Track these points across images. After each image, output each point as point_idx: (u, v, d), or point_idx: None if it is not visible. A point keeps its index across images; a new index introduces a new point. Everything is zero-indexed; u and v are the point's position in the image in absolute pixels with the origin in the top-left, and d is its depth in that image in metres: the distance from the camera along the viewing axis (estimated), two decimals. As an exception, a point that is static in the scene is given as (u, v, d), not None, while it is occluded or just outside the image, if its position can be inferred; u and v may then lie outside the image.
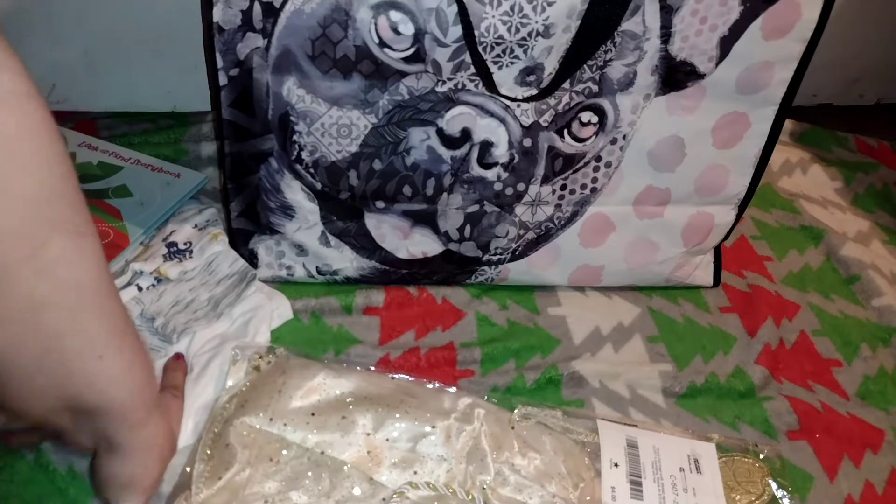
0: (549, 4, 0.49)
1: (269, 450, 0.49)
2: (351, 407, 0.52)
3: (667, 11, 0.52)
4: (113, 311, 0.37)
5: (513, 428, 0.53)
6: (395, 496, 0.48)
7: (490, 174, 0.57)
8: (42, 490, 0.49)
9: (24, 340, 0.33)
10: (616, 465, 0.53)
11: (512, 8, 0.49)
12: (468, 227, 0.61)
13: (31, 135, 0.30)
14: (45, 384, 0.36)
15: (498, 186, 0.58)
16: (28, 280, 0.31)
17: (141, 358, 0.40)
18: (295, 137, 0.55)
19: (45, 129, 0.31)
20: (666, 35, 0.53)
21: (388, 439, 0.51)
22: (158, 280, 0.58)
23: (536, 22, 0.50)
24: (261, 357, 0.55)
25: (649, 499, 0.51)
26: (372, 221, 0.60)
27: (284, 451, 0.49)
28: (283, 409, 0.51)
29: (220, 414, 0.51)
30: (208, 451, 0.49)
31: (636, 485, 0.52)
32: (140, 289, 0.57)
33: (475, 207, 0.60)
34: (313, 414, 0.51)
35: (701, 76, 0.55)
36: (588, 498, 0.51)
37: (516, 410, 0.55)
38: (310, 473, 0.49)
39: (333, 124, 0.54)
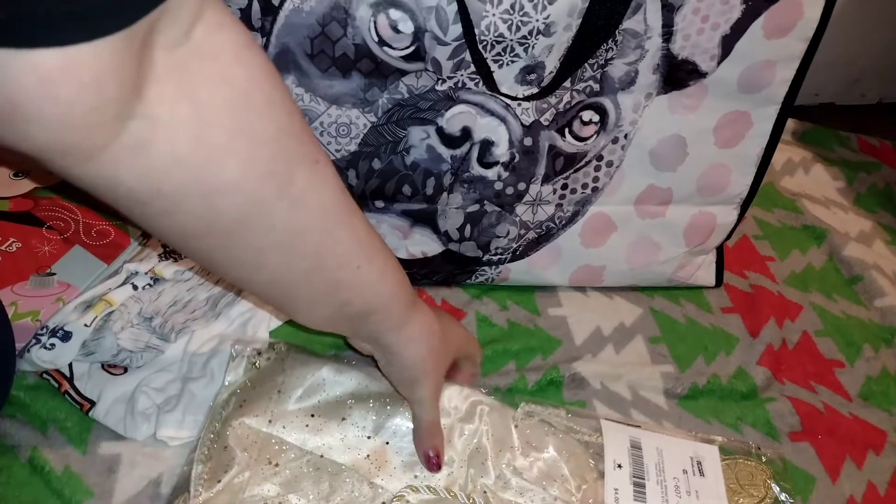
0: (550, 3, 0.49)
1: (269, 452, 0.49)
2: (351, 408, 0.51)
3: (668, 10, 0.51)
4: (359, 226, 0.40)
5: (516, 426, 0.53)
6: (395, 500, 0.48)
7: (490, 173, 0.57)
8: (38, 492, 0.48)
9: (294, 263, 0.38)
10: (619, 466, 0.52)
11: (512, 6, 0.49)
12: (468, 227, 0.60)
13: (259, 82, 0.33)
14: (321, 298, 0.41)
15: (498, 186, 0.58)
16: (285, 212, 0.35)
17: (392, 264, 0.44)
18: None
19: (268, 75, 0.33)
20: (667, 33, 0.52)
21: (388, 442, 0.51)
22: (155, 280, 0.58)
23: (537, 20, 0.49)
24: (259, 353, 0.54)
25: (652, 501, 0.51)
26: (371, 221, 0.59)
27: (284, 454, 0.49)
28: (283, 410, 0.51)
29: (220, 413, 0.51)
30: (206, 452, 0.48)
31: (639, 486, 0.52)
32: (136, 288, 0.57)
33: (475, 207, 0.59)
34: (313, 415, 0.51)
35: (703, 75, 0.55)
36: (591, 500, 0.51)
37: (520, 407, 0.54)
38: (310, 476, 0.48)
39: (332, 123, 0.54)
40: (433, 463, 0.50)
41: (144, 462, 0.51)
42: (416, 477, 0.50)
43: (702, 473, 0.53)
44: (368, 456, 0.50)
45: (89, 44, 0.24)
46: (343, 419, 0.51)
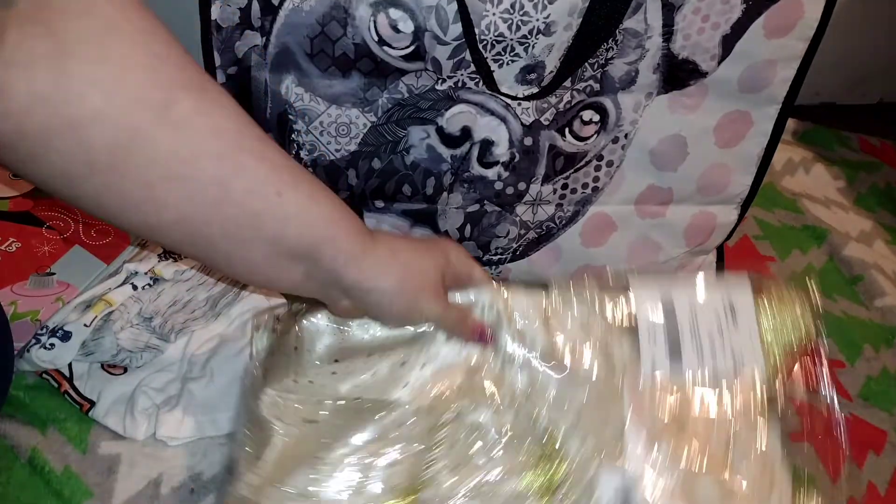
0: (551, 2, 0.49)
1: (305, 412, 0.46)
2: (374, 346, 0.49)
3: (669, 9, 0.51)
4: (272, 153, 0.38)
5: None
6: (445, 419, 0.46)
7: (490, 173, 0.57)
8: (38, 492, 0.48)
9: (196, 195, 0.35)
10: (654, 332, 0.50)
11: (513, 5, 0.49)
12: (468, 227, 0.60)
13: (128, 13, 0.32)
14: (245, 235, 0.37)
15: (498, 185, 0.58)
16: (167, 137, 0.33)
17: (324, 191, 0.40)
18: (293, 136, 0.54)
19: (138, 6, 0.33)
20: (668, 33, 0.52)
21: (424, 364, 0.48)
22: (155, 280, 0.58)
23: (537, 20, 0.49)
24: (278, 319, 0.51)
25: (688, 364, 0.49)
26: (371, 221, 0.60)
27: (319, 409, 0.46)
28: (303, 365, 0.48)
29: (251, 387, 0.48)
30: (246, 431, 0.46)
31: (675, 354, 0.49)
32: (135, 288, 0.57)
33: (475, 207, 0.59)
34: (336, 360, 0.48)
35: (703, 74, 0.55)
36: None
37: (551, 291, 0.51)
38: (354, 422, 0.46)
39: (332, 123, 0.54)
40: (486, 339, 0.47)
41: (144, 462, 0.51)
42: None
43: (735, 322, 0.50)
44: (408, 384, 0.47)
45: None
46: (369, 355, 0.48)
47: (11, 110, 0.29)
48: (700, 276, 0.51)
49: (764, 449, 0.49)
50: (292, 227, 0.38)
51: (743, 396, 0.49)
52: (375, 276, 0.42)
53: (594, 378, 0.48)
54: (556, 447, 0.47)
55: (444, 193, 0.58)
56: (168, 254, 0.60)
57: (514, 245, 0.62)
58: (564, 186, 0.59)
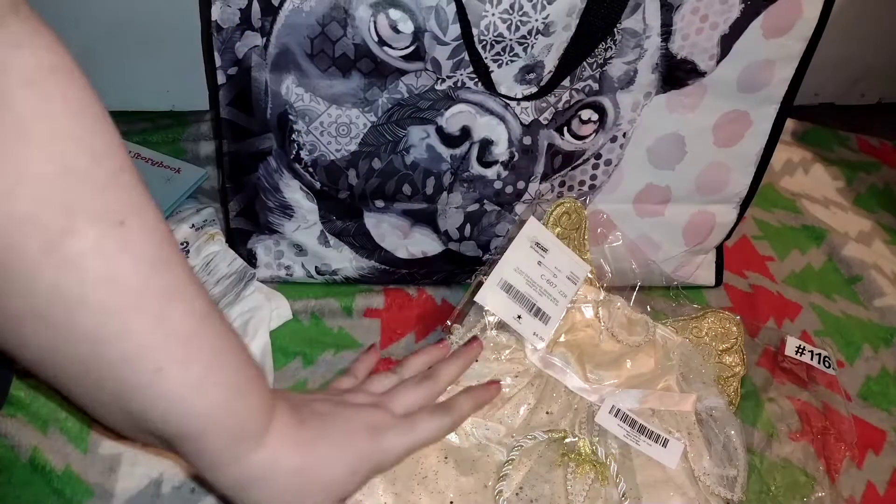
0: (549, 2, 0.49)
1: None
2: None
3: (667, 9, 0.51)
4: (173, 315, 0.31)
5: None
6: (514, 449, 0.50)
7: (490, 172, 0.57)
8: (38, 491, 0.48)
9: (66, 345, 0.30)
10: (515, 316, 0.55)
11: (511, 6, 0.49)
12: (468, 227, 0.60)
13: (50, 113, 0.27)
14: (106, 400, 0.32)
15: (498, 185, 0.58)
16: (50, 273, 0.28)
17: (224, 373, 0.33)
18: (294, 136, 0.54)
19: (71, 108, 0.28)
20: (666, 33, 0.52)
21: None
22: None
23: (536, 20, 0.49)
24: None
25: (548, 309, 0.56)
26: (371, 221, 0.60)
27: None
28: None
29: None
30: None
31: (537, 311, 0.55)
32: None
33: (475, 206, 0.59)
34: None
35: (702, 74, 0.55)
36: None
37: None
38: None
39: (332, 123, 0.54)
40: None
41: (145, 461, 0.51)
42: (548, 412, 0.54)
43: (546, 251, 0.56)
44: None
45: None
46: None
47: None
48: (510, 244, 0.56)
49: (627, 313, 0.58)
50: (159, 411, 0.32)
51: (588, 292, 0.58)
52: (244, 490, 0.35)
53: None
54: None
55: (444, 193, 0.58)
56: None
57: (514, 245, 0.62)
58: (562, 184, 0.60)
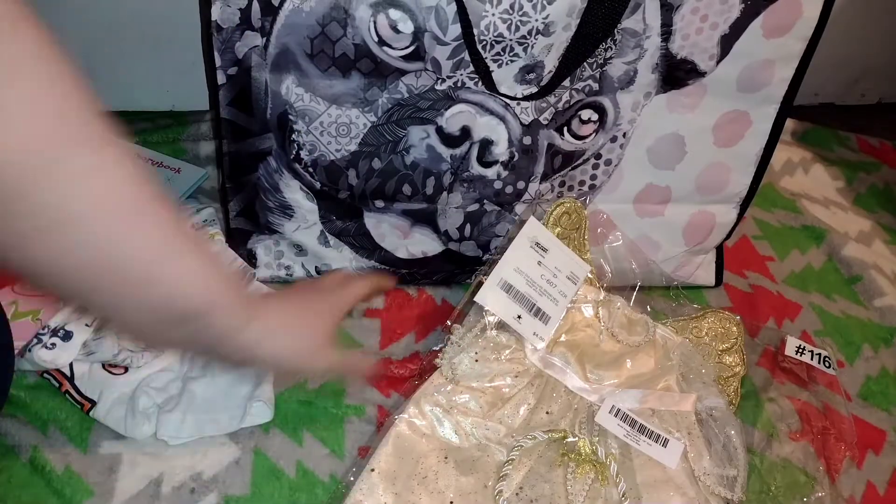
0: (550, 2, 0.49)
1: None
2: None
3: (667, 9, 0.51)
4: (165, 217, 0.36)
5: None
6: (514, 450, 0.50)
7: (490, 172, 0.57)
8: (38, 491, 0.48)
9: (85, 253, 0.34)
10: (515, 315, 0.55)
11: (512, 6, 0.49)
12: (468, 227, 0.60)
13: (32, 56, 0.31)
14: (124, 293, 0.36)
15: (498, 185, 0.58)
16: (54, 196, 0.32)
17: (210, 259, 0.39)
18: (294, 136, 0.54)
19: (36, 53, 0.31)
20: (666, 33, 0.52)
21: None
22: (156, 280, 0.58)
23: (536, 20, 0.49)
24: None
25: (548, 310, 0.56)
26: (371, 221, 0.60)
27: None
28: None
29: None
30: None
31: (536, 310, 0.55)
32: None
33: (475, 206, 0.59)
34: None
35: (702, 74, 0.55)
36: None
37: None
38: None
39: (332, 123, 0.54)
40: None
41: (145, 461, 0.51)
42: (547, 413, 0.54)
43: (546, 251, 0.57)
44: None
45: None
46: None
47: None
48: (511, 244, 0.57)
49: (627, 313, 0.59)
50: (171, 294, 0.37)
51: (588, 291, 0.58)
52: (256, 345, 0.41)
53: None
54: None
55: (444, 193, 0.58)
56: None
57: (514, 245, 0.62)
58: (562, 184, 0.60)
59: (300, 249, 0.61)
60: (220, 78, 0.53)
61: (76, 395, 0.53)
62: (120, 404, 0.53)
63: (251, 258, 0.62)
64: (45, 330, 0.53)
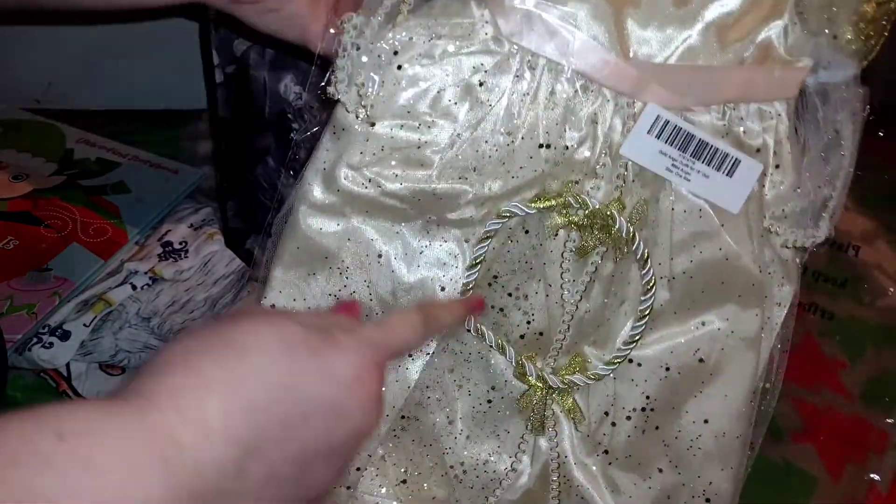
0: None
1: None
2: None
3: None
4: None
5: None
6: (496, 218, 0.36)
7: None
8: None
9: None
10: None
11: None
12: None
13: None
14: None
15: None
16: None
17: None
18: (293, 135, 0.54)
19: None
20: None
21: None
22: (154, 280, 0.58)
23: None
24: None
25: None
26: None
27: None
28: None
29: None
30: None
31: None
32: (135, 287, 0.56)
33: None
34: None
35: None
36: None
37: None
38: None
39: (331, 122, 0.54)
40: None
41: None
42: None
43: None
44: None
45: None
46: None
47: None
48: None
49: None
50: None
51: None
52: None
53: None
54: None
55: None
56: (168, 254, 0.60)
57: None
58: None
59: (299, 249, 0.61)
60: (218, 76, 0.52)
61: (73, 396, 0.53)
62: (117, 405, 0.52)
63: (249, 258, 0.62)
64: (45, 329, 0.53)
